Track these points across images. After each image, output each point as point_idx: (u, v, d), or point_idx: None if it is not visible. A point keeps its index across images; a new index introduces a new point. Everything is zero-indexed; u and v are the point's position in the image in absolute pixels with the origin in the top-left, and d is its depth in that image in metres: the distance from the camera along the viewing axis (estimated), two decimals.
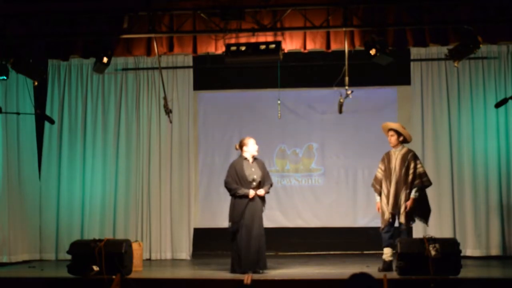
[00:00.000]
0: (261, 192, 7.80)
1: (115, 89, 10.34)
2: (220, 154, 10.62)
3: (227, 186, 7.90)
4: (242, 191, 7.76)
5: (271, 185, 8.04)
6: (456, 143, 9.81)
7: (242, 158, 7.97)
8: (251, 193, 7.73)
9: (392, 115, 10.32)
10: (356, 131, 10.43)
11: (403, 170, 7.86)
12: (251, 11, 7.95)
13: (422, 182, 7.91)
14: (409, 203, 7.81)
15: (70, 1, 8.13)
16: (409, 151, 8.04)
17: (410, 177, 7.86)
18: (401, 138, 8.01)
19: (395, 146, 8.02)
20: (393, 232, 7.90)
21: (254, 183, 7.81)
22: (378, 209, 8.06)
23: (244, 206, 7.74)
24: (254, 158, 7.99)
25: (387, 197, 7.89)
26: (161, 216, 10.11)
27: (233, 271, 7.75)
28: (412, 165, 7.90)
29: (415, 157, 7.98)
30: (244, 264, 7.66)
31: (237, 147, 8.07)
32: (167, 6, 8.09)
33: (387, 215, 7.87)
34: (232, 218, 7.81)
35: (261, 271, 7.70)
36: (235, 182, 7.82)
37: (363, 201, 10.33)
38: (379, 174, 8.09)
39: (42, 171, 10.13)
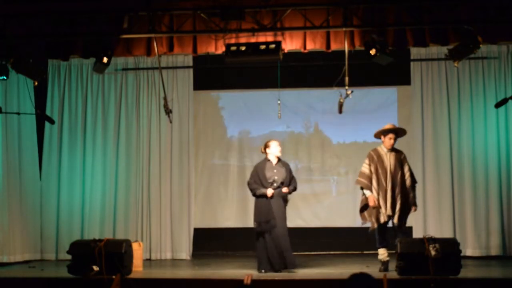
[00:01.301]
0: (284, 189, 7.89)
1: (115, 89, 10.34)
2: (220, 154, 10.63)
3: (249, 186, 8.06)
4: (260, 191, 7.87)
5: (295, 189, 8.09)
6: (456, 143, 9.81)
7: (265, 160, 8.06)
8: (269, 192, 7.80)
9: (392, 115, 10.33)
10: (356, 131, 10.43)
11: (399, 172, 7.87)
12: (251, 11, 7.95)
13: (414, 181, 8.00)
14: (414, 207, 7.87)
15: (70, 1, 8.13)
16: (401, 151, 8.05)
17: (408, 180, 7.89)
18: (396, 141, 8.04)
19: (390, 148, 8.00)
20: (387, 233, 7.91)
21: (275, 184, 7.91)
22: (373, 203, 7.85)
23: (267, 206, 7.82)
24: (279, 160, 8.05)
25: (385, 199, 7.83)
26: (161, 216, 10.11)
27: (260, 270, 7.79)
28: (406, 167, 7.94)
29: (406, 158, 8.03)
30: (274, 263, 7.77)
31: (262, 150, 8.15)
32: (167, 6, 8.10)
33: (383, 218, 7.81)
34: (257, 218, 7.88)
35: (292, 270, 7.81)
36: (255, 183, 7.93)
37: None
38: (367, 170, 7.98)
39: (42, 171, 10.13)
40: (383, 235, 7.88)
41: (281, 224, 7.87)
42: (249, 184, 8.04)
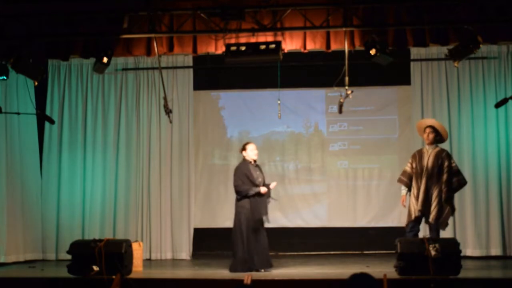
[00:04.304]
0: (273, 184, 8.03)
1: (115, 89, 10.35)
2: (220, 154, 10.63)
3: (238, 189, 7.99)
4: (253, 190, 7.90)
5: None
6: (456, 143, 9.81)
7: (246, 162, 8.12)
8: (263, 189, 7.90)
9: (392, 115, 10.34)
10: (356, 131, 10.44)
11: (436, 169, 7.88)
12: (251, 11, 7.95)
13: (459, 180, 7.99)
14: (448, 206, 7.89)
15: (70, 1, 8.13)
16: (443, 150, 8.09)
17: (445, 176, 7.88)
18: (438, 137, 8.05)
19: (430, 144, 8.02)
20: (417, 231, 7.96)
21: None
22: (403, 202, 8.05)
23: (261, 204, 7.90)
24: (255, 162, 8.16)
25: (417, 196, 7.87)
26: (161, 216, 10.11)
27: (235, 270, 7.83)
28: (446, 163, 7.92)
29: (449, 156, 8.03)
30: (258, 262, 7.84)
31: (240, 151, 8.26)
32: (167, 6, 8.09)
33: (414, 214, 7.86)
34: (258, 215, 7.88)
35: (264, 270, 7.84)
36: (245, 184, 7.95)
37: (363, 201, 10.34)
38: (409, 168, 8.07)
39: (42, 171, 10.13)
40: (412, 233, 7.90)
41: (262, 224, 7.97)
42: (237, 186, 7.98)
